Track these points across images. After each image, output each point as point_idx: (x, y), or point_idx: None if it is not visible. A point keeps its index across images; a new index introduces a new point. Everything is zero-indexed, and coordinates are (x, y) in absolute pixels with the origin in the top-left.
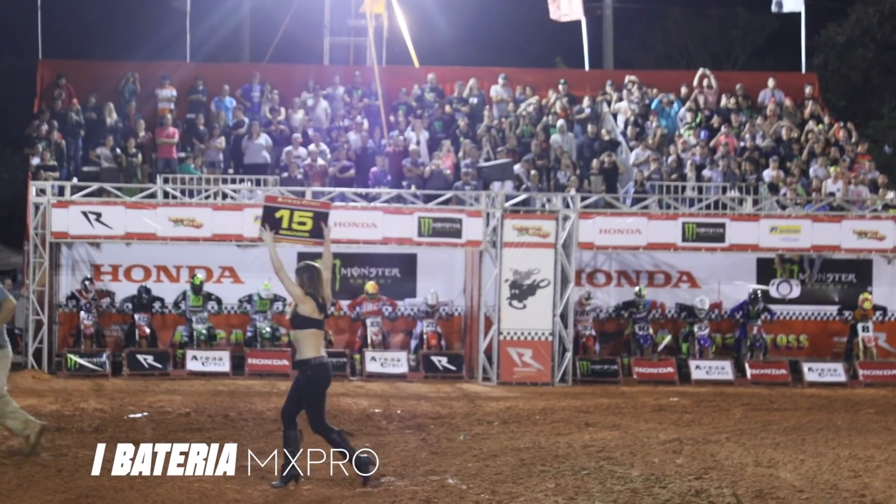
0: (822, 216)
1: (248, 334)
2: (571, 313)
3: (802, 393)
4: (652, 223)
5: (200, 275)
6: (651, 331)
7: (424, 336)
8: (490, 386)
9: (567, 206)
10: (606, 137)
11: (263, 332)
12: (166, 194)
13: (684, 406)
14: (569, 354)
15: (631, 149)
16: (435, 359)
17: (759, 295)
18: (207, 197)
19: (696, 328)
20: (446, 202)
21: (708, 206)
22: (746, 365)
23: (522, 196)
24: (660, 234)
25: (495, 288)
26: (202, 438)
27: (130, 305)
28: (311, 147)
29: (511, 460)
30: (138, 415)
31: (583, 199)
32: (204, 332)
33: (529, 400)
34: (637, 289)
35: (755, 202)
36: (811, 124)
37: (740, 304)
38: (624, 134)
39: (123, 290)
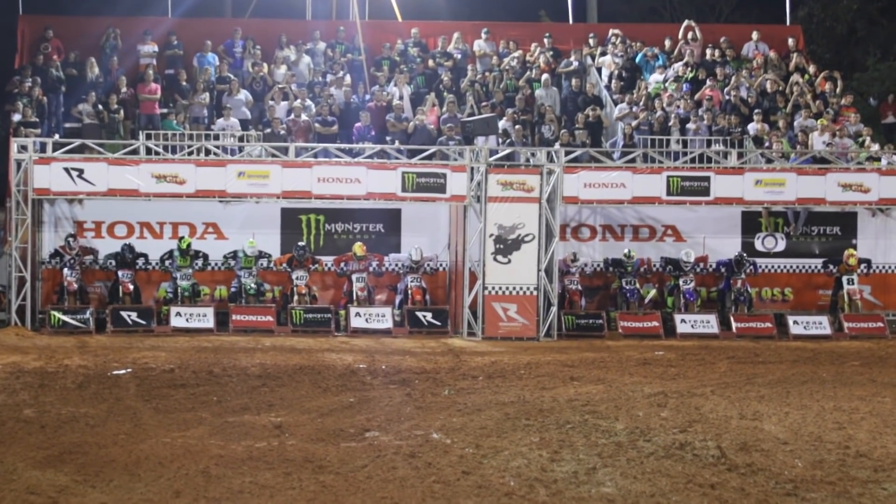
0: (806, 169)
1: (233, 290)
2: (556, 268)
3: (787, 346)
4: (636, 177)
5: (188, 237)
6: (637, 285)
7: (409, 291)
8: (475, 341)
9: (551, 160)
10: (591, 91)
11: (248, 288)
12: (149, 150)
13: (669, 360)
14: (554, 309)
15: (615, 103)
16: (420, 314)
17: (745, 258)
18: (190, 153)
19: (681, 282)
20: (430, 157)
21: (693, 160)
22: (731, 318)
23: (507, 151)
24: (644, 188)
25: (480, 243)
26: (186, 395)
27: (114, 262)
28: (295, 103)
29: (496, 414)
30: (122, 371)
31: (567, 153)
32: (188, 288)
33: (514, 355)
34: (626, 251)
35: (740, 155)
36: (796, 77)
37: (726, 260)
38: (608, 88)
39: (107, 246)
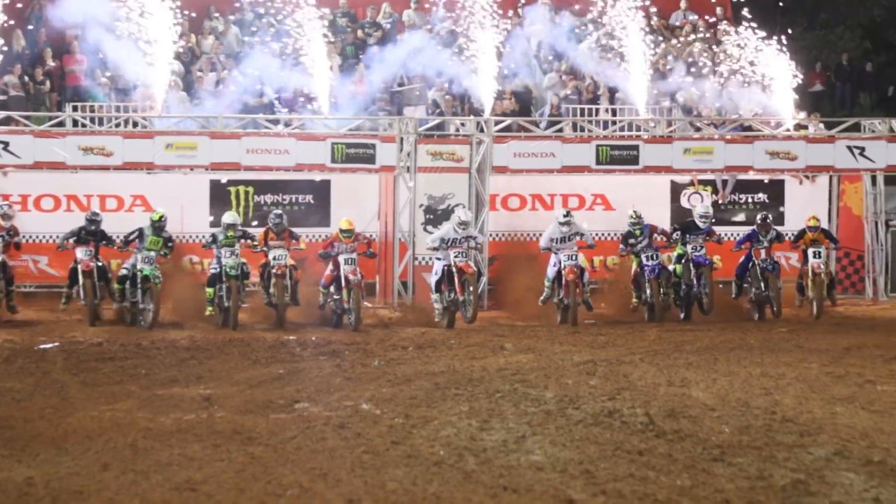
0: (735, 137)
1: (213, 272)
2: (486, 238)
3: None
4: (566, 147)
5: (160, 209)
6: (659, 257)
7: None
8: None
9: (481, 130)
10: (521, 61)
11: (230, 269)
12: (75, 122)
13: (599, 328)
14: (484, 279)
15: (544, 72)
16: None
17: (769, 219)
18: (118, 125)
19: (689, 248)
20: (360, 128)
21: (622, 129)
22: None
23: (436, 121)
24: (574, 157)
25: (410, 213)
26: (114, 368)
27: (73, 240)
28: (223, 73)
29: (425, 385)
30: (49, 345)
31: (496, 123)
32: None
33: (442, 328)
34: (632, 211)
35: (669, 124)
36: (724, 45)
37: (746, 236)
38: (537, 57)
39: (33, 220)
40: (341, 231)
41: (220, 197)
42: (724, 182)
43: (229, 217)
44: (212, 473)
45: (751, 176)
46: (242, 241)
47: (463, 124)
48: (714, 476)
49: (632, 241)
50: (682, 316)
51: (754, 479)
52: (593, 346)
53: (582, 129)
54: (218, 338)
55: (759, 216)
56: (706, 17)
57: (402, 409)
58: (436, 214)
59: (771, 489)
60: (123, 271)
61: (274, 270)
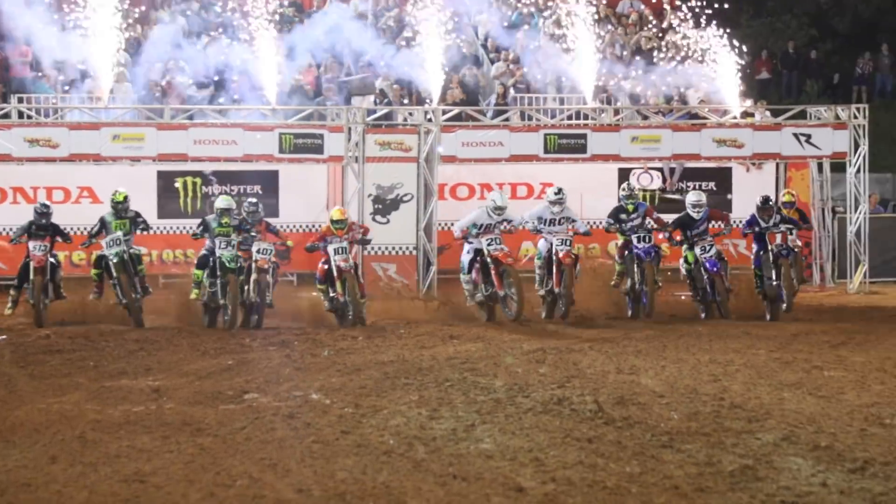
0: (682, 125)
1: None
2: (435, 227)
3: (666, 300)
4: (514, 136)
5: (122, 189)
6: (651, 239)
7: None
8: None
9: (429, 119)
10: (468, 50)
11: (227, 261)
12: (21, 114)
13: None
14: (433, 268)
15: (492, 61)
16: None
17: (770, 201)
18: (64, 116)
19: (697, 250)
20: (308, 118)
21: (569, 118)
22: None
23: (384, 110)
24: (522, 146)
25: (358, 203)
26: (62, 360)
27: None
28: (169, 63)
29: (375, 374)
30: None
31: (444, 112)
32: (118, 256)
33: (397, 314)
34: (625, 185)
35: (616, 112)
36: (671, 34)
37: (748, 220)
38: (485, 46)
39: None
40: (333, 223)
41: (168, 188)
42: (672, 170)
43: (223, 202)
44: (161, 465)
45: (698, 164)
46: (240, 231)
47: (411, 114)
48: (663, 462)
49: (622, 216)
50: (702, 316)
51: (703, 465)
52: (543, 335)
53: (529, 118)
54: (167, 329)
55: (758, 199)
56: (653, 5)
57: (351, 399)
58: (384, 204)
59: (719, 475)
60: (203, 252)
61: (257, 264)
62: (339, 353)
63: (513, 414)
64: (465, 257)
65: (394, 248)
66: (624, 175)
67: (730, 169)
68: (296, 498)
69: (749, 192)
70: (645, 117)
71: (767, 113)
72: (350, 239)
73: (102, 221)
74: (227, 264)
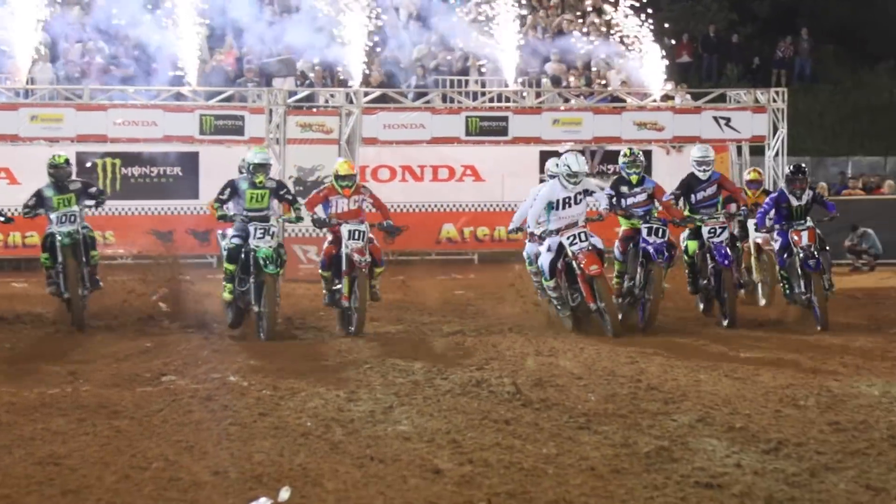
0: (603, 108)
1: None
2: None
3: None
4: (435, 118)
5: (62, 153)
6: (666, 235)
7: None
8: None
9: (350, 101)
10: (389, 32)
11: (265, 257)
12: None
13: (469, 299)
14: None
15: (413, 44)
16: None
17: (802, 171)
18: None
19: (705, 231)
20: (228, 99)
21: (491, 100)
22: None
23: (305, 92)
24: (444, 128)
25: None
26: None
27: None
28: (89, 44)
29: (294, 356)
30: None
31: (366, 94)
32: (68, 236)
33: (314, 296)
34: (626, 149)
35: (538, 95)
36: (593, 16)
37: (772, 199)
38: (406, 28)
39: None
40: (338, 179)
41: (87, 169)
42: (593, 153)
43: (257, 154)
44: (76, 447)
45: (619, 146)
46: (280, 196)
47: (332, 96)
48: (579, 444)
49: (623, 188)
50: (700, 307)
51: (619, 446)
52: (463, 317)
53: (451, 101)
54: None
55: (790, 167)
56: None
57: (269, 381)
58: (305, 186)
59: (635, 456)
60: (234, 242)
61: (350, 252)
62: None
63: (431, 396)
64: (545, 257)
65: (315, 231)
66: (546, 156)
67: (650, 152)
68: (212, 480)
69: (669, 175)
70: (566, 100)
71: (688, 96)
72: (359, 206)
73: (39, 196)
74: (265, 265)
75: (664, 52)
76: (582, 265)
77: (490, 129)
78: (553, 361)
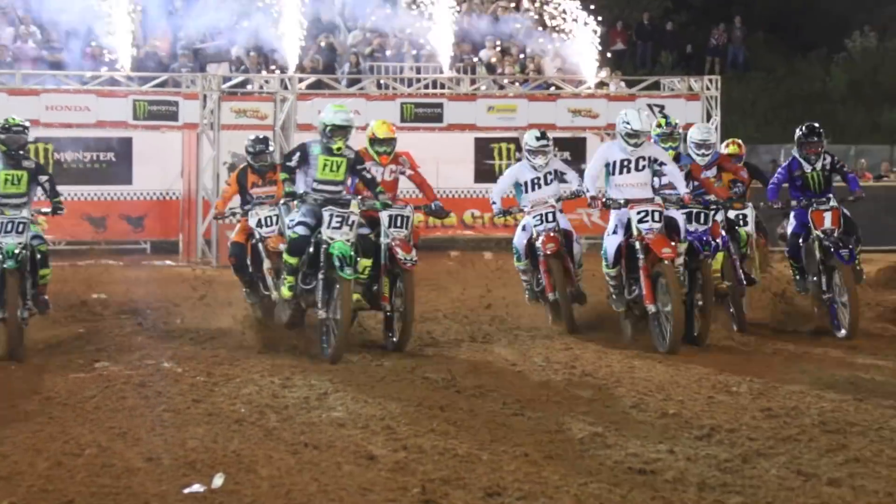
0: (537, 95)
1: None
2: None
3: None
4: (370, 104)
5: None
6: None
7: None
8: (210, 269)
9: (285, 87)
10: (325, 18)
11: (343, 255)
12: None
13: None
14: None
15: (349, 30)
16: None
17: (817, 130)
18: None
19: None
20: (162, 84)
21: (426, 87)
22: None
23: (240, 78)
24: (378, 114)
25: (213, 171)
26: None
27: None
28: (21, 28)
29: (228, 343)
30: None
31: (301, 80)
32: (12, 251)
33: None
34: (660, 117)
35: (472, 82)
36: (526, 3)
37: (780, 174)
38: (342, 15)
39: None
40: (373, 142)
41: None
42: None
43: (337, 113)
44: (8, 434)
45: (553, 133)
46: (358, 172)
47: (267, 81)
48: (514, 430)
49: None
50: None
51: (553, 432)
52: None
53: (386, 87)
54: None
55: (802, 128)
56: None
57: (204, 368)
58: None
59: (569, 442)
60: (297, 232)
61: (268, 244)
62: (193, 322)
63: (365, 383)
64: (610, 240)
65: None
66: (481, 145)
67: (584, 139)
68: (145, 466)
69: None
70: (501, 87)
71: (622, 84)
72: (395, 179)
73: None
74: (341, 267)
75: (599, 40)
76: (654, 245)
77: (425, 115)
78: (488, 348)
